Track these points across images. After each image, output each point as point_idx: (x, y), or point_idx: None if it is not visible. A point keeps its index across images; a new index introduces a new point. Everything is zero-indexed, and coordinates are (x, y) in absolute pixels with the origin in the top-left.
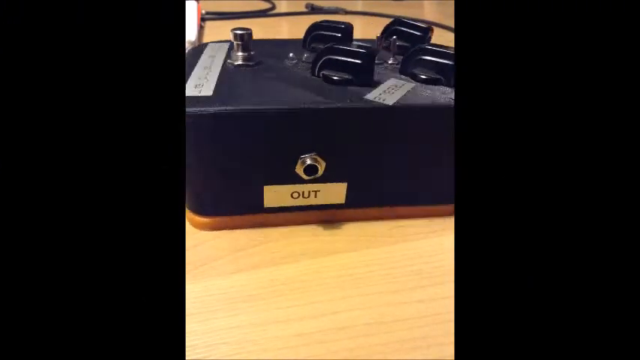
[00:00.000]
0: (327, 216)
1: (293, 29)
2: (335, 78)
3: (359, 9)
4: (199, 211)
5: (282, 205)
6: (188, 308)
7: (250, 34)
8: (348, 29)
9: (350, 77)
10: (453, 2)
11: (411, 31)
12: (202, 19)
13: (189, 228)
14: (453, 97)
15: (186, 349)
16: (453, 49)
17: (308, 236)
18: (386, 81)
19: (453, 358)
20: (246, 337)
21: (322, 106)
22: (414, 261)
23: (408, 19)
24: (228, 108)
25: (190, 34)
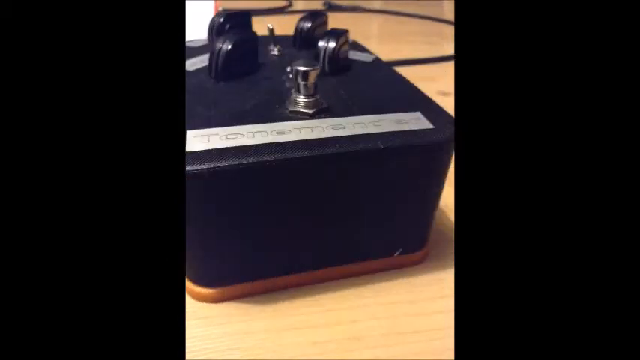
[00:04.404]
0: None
1: None
2: None
3: (377, 7)
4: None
5: None
6: (203, 312)
7: None
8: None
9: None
10: None
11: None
12: None
13: None
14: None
15: (200, 352)
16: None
17: None
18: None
19: None
20: (260, 343)
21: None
22: (433, 270)
23: None
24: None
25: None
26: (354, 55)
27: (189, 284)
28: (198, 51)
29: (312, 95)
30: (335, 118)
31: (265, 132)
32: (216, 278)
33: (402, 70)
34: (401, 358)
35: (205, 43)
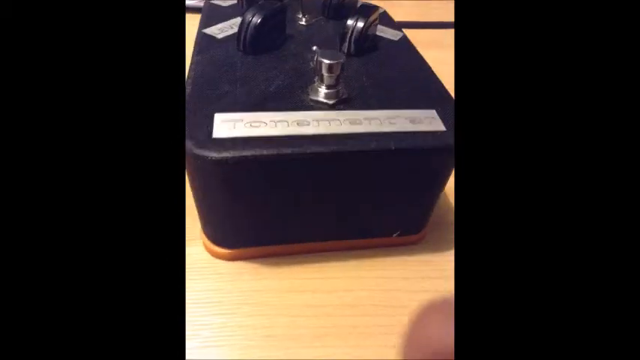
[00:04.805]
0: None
1: None
2: None
3: None
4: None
5: None
6: (219, 268)
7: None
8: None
9: None
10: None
11: None
12: None
13: None
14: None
15: (214, 304)
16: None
17: None
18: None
19: None
20: (266, 300)
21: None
22: (427, 252)
23: None
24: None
25: None
26: (382, 30)
27: (209, 244)
28: (226, 12)
29: (334, 87)
30: (353, 111)
31: (286, 122)
32: (233, 241)
33: (429, 33)
34: (385, 328)
35: (234, 2)
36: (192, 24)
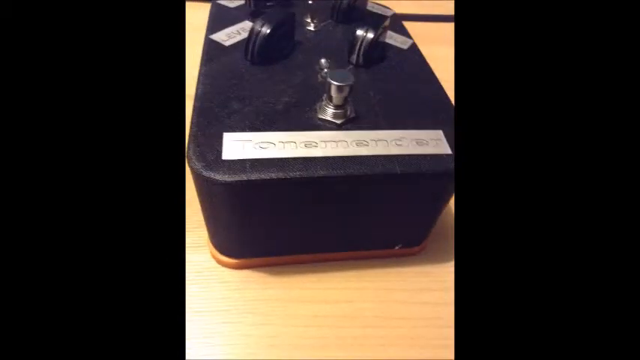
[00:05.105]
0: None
1: None
2: None
3: None
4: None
5: None
6: (225, 277)
7: None
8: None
9: None
10: None
11: None
12: None
13: None
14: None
15: (221, 312)
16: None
17: None
18: None
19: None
20: (271, 310)
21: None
22: (427, 263)
23: None
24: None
25: None
26: (391, 37)
27: (215, 252)
28: (234, 13)
29: (342, 107)
30: (360, 132)
31: (294, 143)
32: (240, 252)
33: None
34: (385, 339)
35: (242, 2)
36: (191, 12)
